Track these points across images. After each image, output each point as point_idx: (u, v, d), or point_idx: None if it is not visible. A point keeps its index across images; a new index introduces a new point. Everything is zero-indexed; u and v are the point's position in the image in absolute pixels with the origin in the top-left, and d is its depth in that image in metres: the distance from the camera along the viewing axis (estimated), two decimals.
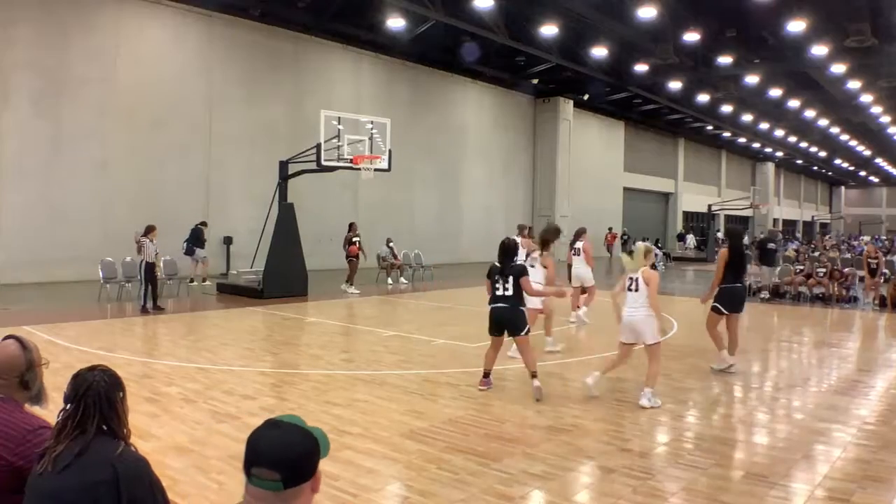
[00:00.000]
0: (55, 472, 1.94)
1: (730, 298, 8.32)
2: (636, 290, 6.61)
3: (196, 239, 17.82)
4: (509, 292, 6.81)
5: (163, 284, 15.17)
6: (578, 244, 12.21)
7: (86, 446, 1.97)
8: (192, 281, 17.33)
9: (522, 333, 6.85)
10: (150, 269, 12.43)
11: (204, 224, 18.20)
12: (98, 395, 2.05)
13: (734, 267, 8.35)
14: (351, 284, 16.14)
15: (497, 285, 6.89)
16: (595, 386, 6.82)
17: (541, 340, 9.28)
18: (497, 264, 6.98)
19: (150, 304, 12.45)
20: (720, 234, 36.97)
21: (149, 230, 12.55)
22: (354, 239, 16.49)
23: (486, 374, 7.13)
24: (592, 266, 12.13)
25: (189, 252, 17.62)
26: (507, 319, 6.86)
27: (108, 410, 2.05)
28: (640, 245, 6.92)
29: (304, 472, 1.42)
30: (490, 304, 6.98)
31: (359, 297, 15.59)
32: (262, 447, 1.41)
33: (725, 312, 8.35)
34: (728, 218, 48.52)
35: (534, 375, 6.81)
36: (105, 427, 2.05)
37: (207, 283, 17.29)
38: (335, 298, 15.17)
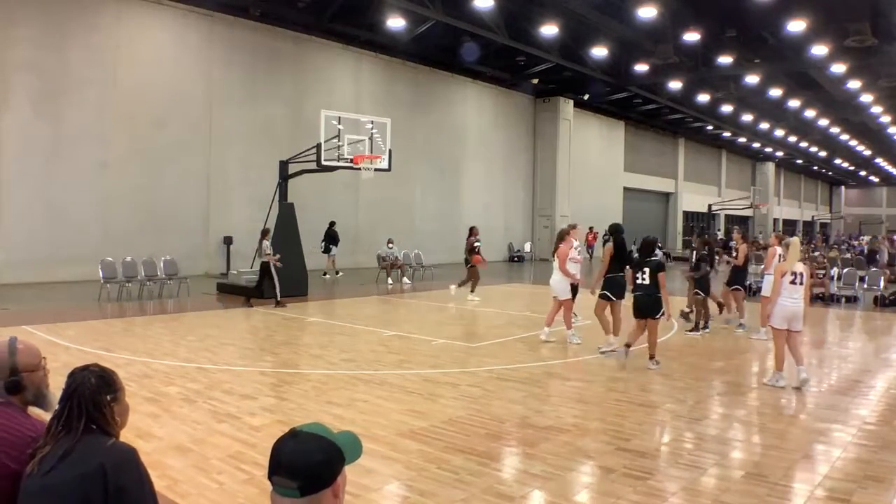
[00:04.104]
0: (42, 473, 1.94)
1: (614, 287, 9.34)
2: (801, 283, 7.42)
3: (331, 238, 20.25)
4: (647, 282, 8.19)
5: (162, 285, 15.24)
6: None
7: (72, 446, 1.97)
8: (325, 274, 19.65)
9: (656, 317, 8.20)
10: (266, 267, 13.51)
11: (333, 223, 20.40)
12: (82, 397, 2.04)
13: (618, 259, 9.37)
14: (472, 291, 15.20)
15: (637, 276, 8.29)
16: (806, 379, 7.34)
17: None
18: (637, 257, 8.58)
19: (276, 298, 13.45)
20: (720, 234, 37.05)
21: (264, 233, 13.69)
22: (476, 244, 15.41)
23: (628, 346, 8.28)
24: (569, 274, 9.93)
25: (326, 250, 20.13)
26: (644, 305, 8.20)
27: (93, 412, 2.04)
28: (795, 240, 7.83)
29: (321, 479, 1.48)
30: (633, 291, 8.40)
31: (360, 298, 15.58)
32: (281, 457, 1.48)
33: (612, 299, 9.35)
34: (728, 218, 48.54)
35: (652, 357, 8.19)
36: (94, 426, 2.04)
37: (340, 275, 19.91)
38: (335, 298, 15.16)
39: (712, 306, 11.68)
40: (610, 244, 9.53)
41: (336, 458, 1.51)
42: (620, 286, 9.36)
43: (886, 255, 21.06)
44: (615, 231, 9.69)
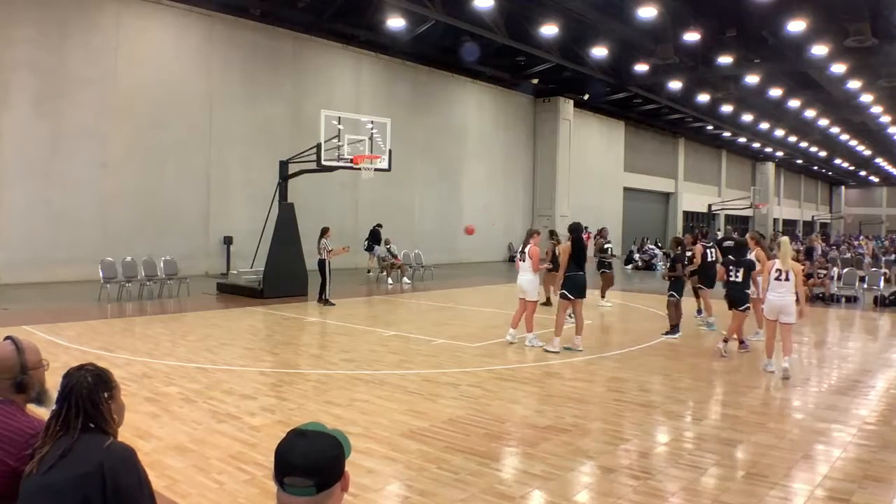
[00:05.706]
0: (41, 472, 1.95)
1: (574, 285, 9.33)
2: (786, 279, 7.98)
3: (375, 238, 20.82)
4: (739, 279, 9.08)
5: (162, 284, 15.23)
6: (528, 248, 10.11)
7: (70, 445, 1.98)
8: (369, 272, 20.51)
9: (739, 309, 9.05)
10: (322, 265, 13.81)
11: (380, 225, 21.09)
12: (80, 396, 2.05)
13: (576, 258, 9.36)
14: (603, 296, 14.58)
15: (731, 273, 9.15)
16: (789, 368, 7.84)
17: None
18: (731, 257, 9.59)
19: (325, 297, 13.83)
20: (720, 234, 37.09)
21: (324, 232, 14.10)
22: (606, 246, 14.82)
23: (741, 342, 9.47)
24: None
25: (369, 249, 20.78)
26: (736, 297, 9.07)
27: (91, 410, 2.05)
28: (785, 240, 8.50)
29: (333, 474, 1.52)
30: (724, 287, 9.35)
31: (360, 298, 15.58)
32: (292, 457, 1.50)
33: (572, 298, 9.35)
34: (728, 218, 48.52)
35: (725, 341, 9.06)
36: (92, 425, 2.05)
37: (371, 273, 20.58)
38: (335, 298, 15.14)
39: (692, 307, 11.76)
40: (567, 244, 9.45)
41: (342, 453, 1.56)
42: (580, 285, 9.35)
43: (819, 251, 21.78)
44: (574, 230, 9.57)
